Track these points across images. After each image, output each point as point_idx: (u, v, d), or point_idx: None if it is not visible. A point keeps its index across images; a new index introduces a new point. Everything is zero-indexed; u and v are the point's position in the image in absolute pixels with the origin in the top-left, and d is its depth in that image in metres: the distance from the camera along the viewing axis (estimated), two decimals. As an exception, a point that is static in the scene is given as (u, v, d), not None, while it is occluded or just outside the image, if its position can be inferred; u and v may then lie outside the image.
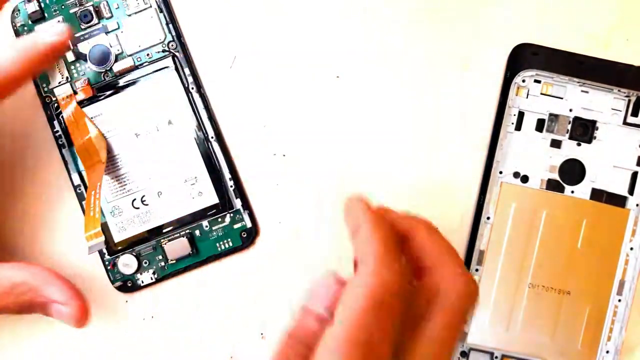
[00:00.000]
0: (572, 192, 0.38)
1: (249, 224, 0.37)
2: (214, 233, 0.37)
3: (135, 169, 0.37)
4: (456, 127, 0.38)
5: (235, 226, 0.37)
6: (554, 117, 0.38)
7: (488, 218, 0.38)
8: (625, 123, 0.37)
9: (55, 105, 0.37)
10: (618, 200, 0.38)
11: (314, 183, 0.38)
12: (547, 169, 0.38)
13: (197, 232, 0.37)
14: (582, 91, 0.37)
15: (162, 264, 0.37)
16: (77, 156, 0.37)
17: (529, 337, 0.38)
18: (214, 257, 0.38)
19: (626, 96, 0.37)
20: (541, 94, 0.38)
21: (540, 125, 0.38)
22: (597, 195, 0.38)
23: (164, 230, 0.37)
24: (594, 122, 0.37)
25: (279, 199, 0.38)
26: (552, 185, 0.38)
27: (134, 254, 0.37)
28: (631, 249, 0.37)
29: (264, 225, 0.38)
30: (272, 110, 0.38)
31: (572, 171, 0.38)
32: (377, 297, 0.25)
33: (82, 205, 0.37)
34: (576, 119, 0.38)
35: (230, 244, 0.37)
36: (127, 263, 0.37)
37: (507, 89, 0.37)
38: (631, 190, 0.38)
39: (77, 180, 0.37)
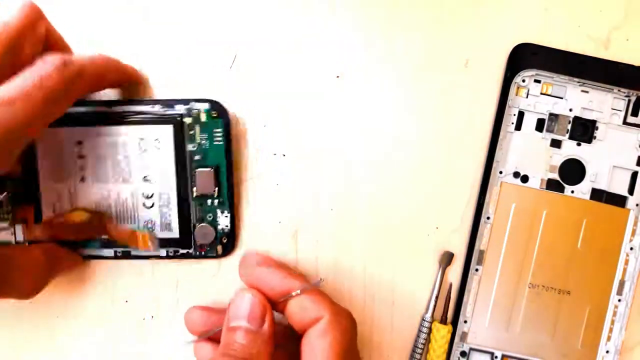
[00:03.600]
0: (572, 192, 0.38)
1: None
2: None
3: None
4: (456, 126, 0.38)
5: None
6: (554, 117, 0.38)
7: (488, 218, 0.38)
8: (625, 123, 0.37)
9: None
10: (618, 200, 0.38)
11: (314, 183, 0.38)
12: (547, 169, 0.38)
13: None
14: (582, 91, 0.37)
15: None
16: None
17: (529, 337, 0.38)
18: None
19: (626, 96, 0.37)
20: (541, 93, 0.38)
21: (540, 125, 0.38)
22: (597, 195, 0.38)
23: None
24: (594, 122, 0.37)
25: (279, 199, 0.38)
26: (552, 185, 0.38)
27: None
28: (631, 249, 0.37)
29: (263, 224, 0.38)
30: (272, 110, 0.38)
31: (572, 171, 0.38)
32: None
33: None
34: (576, 119, 0.38)
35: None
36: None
37: (507, 89, 0.37)
38: (631, 190, 0.38)
39: None
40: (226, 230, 0.37)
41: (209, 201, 0.37)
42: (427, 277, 0.38)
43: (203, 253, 0.37)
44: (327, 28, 0.38)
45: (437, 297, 0.38)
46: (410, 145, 0.38)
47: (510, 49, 0.37)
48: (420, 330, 0.38)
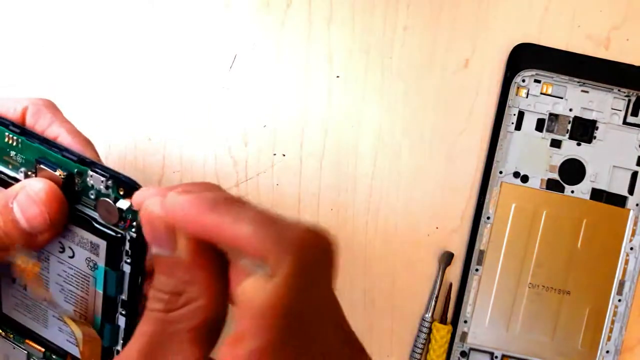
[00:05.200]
0: (572, 192, 0.38)
1: None
2: None
3: None
4: (456, 126, 0.38)
5: None
6: (554, 117, 0.38)
7: (488, 218, 0.38)
8: (625, 123, 0.37)
9: None
10: (618, 200, 0.38)
11: (314, 183, 0.38)
12: (547, 169, 0.38)
13: None
14: (582, 91, 0.37)
15: None
16: None
17: (529, 337, 0.38)
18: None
19: (626, 96, 0.37)
20: (541, 93, 0.37)
21: (540, 125, 0.38)
22: (597, 195, 0.38)
23: None
24: (594, 122, 0.37)
25: (279, 199, 0.38)
26: (552, 185, 0.38)
27: None
28: (631, 249, 0.37)
29: (264, 225, 0.38)
30: (272, 110, 0.38)
31: (572, 171, 0.38)
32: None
33: None
34: (576, 118, 0.38)
35: None
36: None
37: (507, 89, 0.37)
38: (631, 190, 0.38)
39: None
40: None
41: None
42: (427, 277, 0.38)
43: None
44: (326, 28, 0.38)
45: (437, 297, 0.38)
46: (411, 144, 0.38)
47: (510, 49, 0.37)
48: (420, 330, 0.38)
